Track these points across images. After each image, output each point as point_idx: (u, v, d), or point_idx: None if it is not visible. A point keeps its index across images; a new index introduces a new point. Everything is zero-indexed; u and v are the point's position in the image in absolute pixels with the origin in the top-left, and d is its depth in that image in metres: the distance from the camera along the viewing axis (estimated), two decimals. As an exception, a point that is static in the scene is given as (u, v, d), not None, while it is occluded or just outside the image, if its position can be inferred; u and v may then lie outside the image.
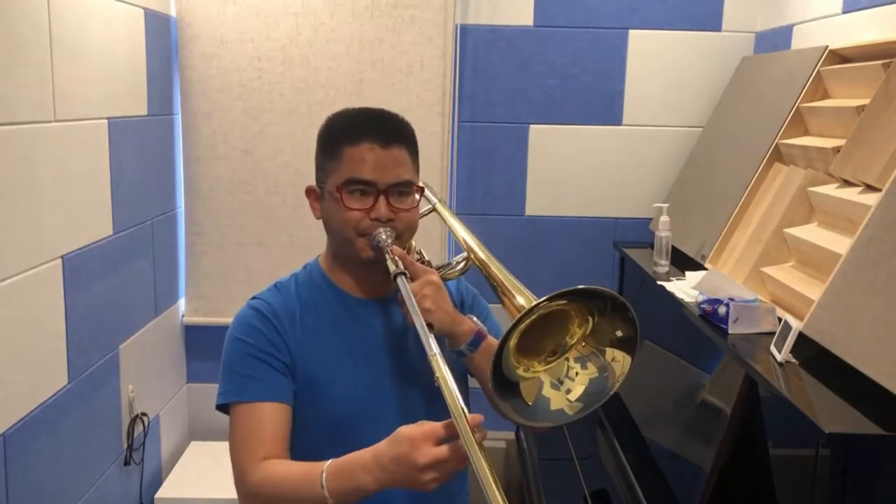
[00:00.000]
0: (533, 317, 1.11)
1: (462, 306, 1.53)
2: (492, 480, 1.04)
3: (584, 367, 1.18)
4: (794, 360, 1.65)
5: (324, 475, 1.19)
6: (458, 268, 1.51)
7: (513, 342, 1.13)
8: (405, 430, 1.14)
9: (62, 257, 2.10)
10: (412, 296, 1.30)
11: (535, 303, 1.10)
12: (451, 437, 1.11)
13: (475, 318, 1.40)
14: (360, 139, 1.36)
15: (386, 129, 1.39)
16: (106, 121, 2.35)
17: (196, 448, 3.07)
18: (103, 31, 2.32)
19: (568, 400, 1.17)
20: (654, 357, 2.46)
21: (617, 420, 2.39)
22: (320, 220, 1.47)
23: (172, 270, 3.00)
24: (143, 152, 2.64)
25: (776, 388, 1.55)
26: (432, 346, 1.17)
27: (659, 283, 2.35)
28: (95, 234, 2.30)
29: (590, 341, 1.18)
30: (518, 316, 1.11)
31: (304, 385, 1.39)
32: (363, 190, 1.36)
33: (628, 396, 2.46)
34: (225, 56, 2.93)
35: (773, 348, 1.70)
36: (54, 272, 2.06)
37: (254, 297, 1.45)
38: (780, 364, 1.65)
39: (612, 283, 3.10)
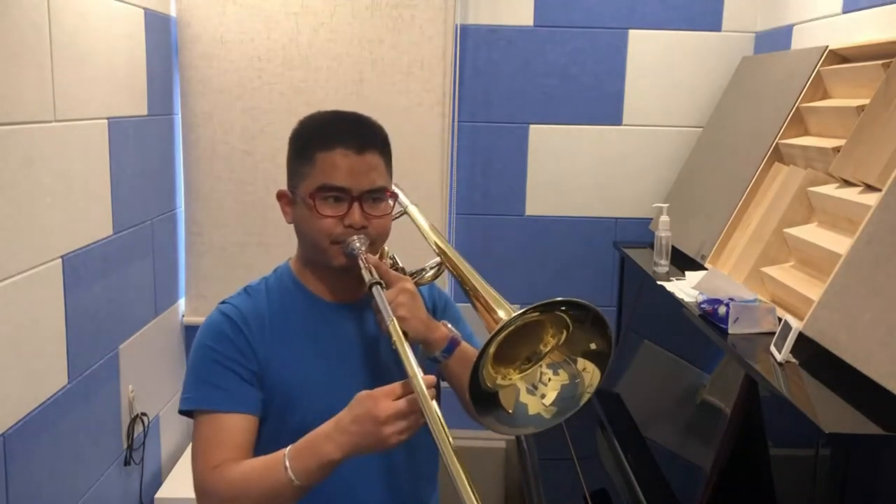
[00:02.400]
0: (510, 329, 1.13)
1: (434, 311, 1.52)
2: (445, 436, 1.10)
3: (555, 373, 1.21)
4: (794, 360, 1.65)
5: (286, 458, 1.20)
6: (430, 274, 1.51)
7: (492, 350, 1.15)
8: (363, 393, 1.19)
9: (62, 257, 2.10)
10: (387, 304, 1.29)
11: (513, 315, 1.13)
12: (408, 394, 1.16)
13: (449, 325, 1.39)
14: (333, 145, 1.35)
15: (360, 134, 1.38)
16: (106, 121, 2.35)
17: (196, 448, 3.06)
18: (103, 32, 2.32)
19: (543, 404, 1.20)
20: (654, 357, 2.46)
21: (617, 420, 2.39)
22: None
23: (172, 270, 3.00)
24: (143, 152, 2.64)
25: (776, 388, 1.55)
26: (390, 313, 1.24)
27: (659, 283, 2.35)
28: (95, 234, 2.30)
29: (563, 350, 1.20)
30: (496, 329, 1.13)
31: (274, 391, 1.37)
32: (337, 196, 1.35)
33: (628, 396, 2.47)
34: (225, 56, 2.93)
35: (773, 348, 1.70)
36: (54, 272, 2.06)
37: (223, 302, 1.43)
38: (780, 364, 1.65)
39: (612, 283, 3.10)
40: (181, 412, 1.38)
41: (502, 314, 1.19)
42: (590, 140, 3.08)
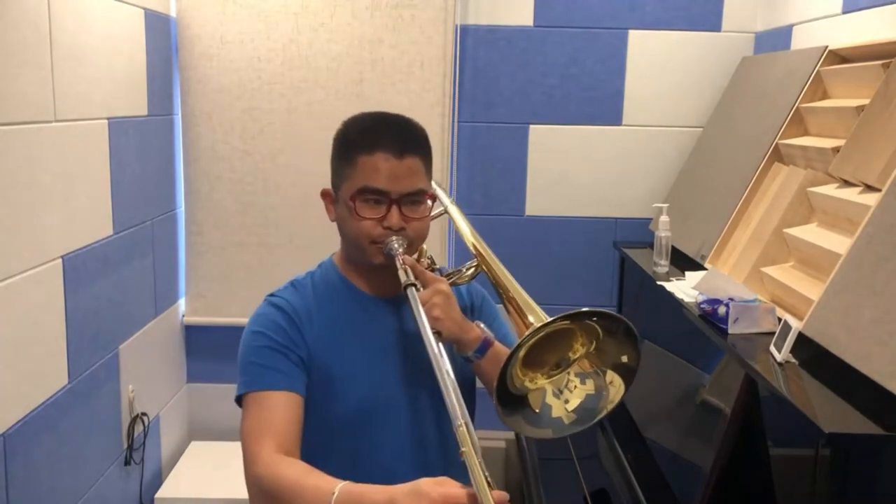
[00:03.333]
0: (539, 336, 1.16)
1: (472, 309, 1.57)
2: None
3: (583, 382, 1.23)
4: (793, 360, 1.65)
5: (334, 497, 1.18)
6: (468, 274, 1.54)
7: (521, 354, 1.17)
8: (426, 486, 1.12)
9: (62, 257, 2.10)
10: (420, 305, 1.34)
11: (544, 322, 1.16)
12: None
13: (482, 325, 1.42)
14: (374, 149, 1.39)
15: (400, 138, 1.41)
16: (106, 121, 2.35)
17: (196, 448, 3.07)
18: (103, 32, 2.32)
19: (566, 409, 1.22)
20: (654, 357, 2.46)
21: (617, 420, 2.39)
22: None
23: (172, 270, 3.00)
24: (143, 152, 2.64)
25: (776, 388, 1.55)
26: (459, 416, 1.16)
27: (659, 283, 2.35)
28: (95, 234, 2.30)
29: (594, 360, 1.23)
30: (525, 334, 1.15)
31: (319, 380, 1.42)
32: (376, 199, 1.40)
33: (628, 396, 2.46)
34: (225, 56, 2.93)
35: (772, 348, 1.70)
36: (54, 272, 2.06)
37: (271, 295, 1.49)
38: (780, 364, 1.65)
39: (612, 283, 3.10)
40: (237, 400, 1.41)
41: (532, 319, 1.21)
42: (590, 140, 3.08)
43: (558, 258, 3.13)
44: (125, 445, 2.54)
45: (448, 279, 1.47)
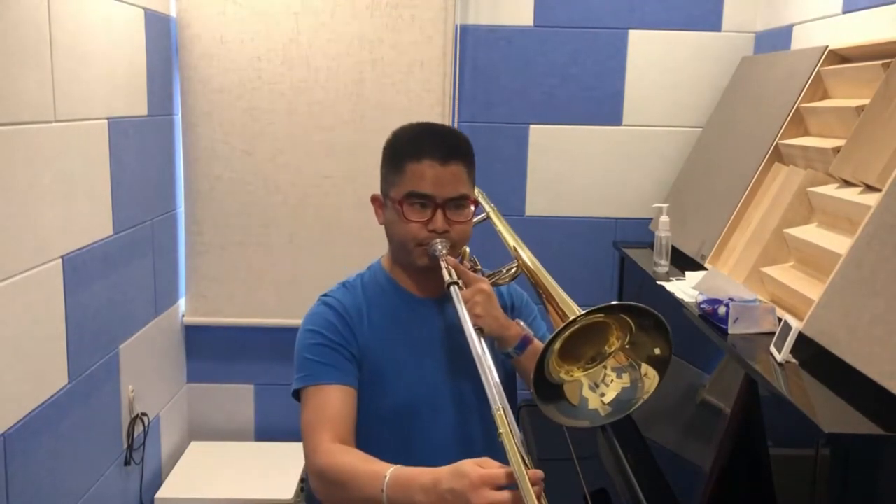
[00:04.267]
0: (575, 327, 1.22)
1: (512, 309, 1.65)
2: None
3: (619, 376, 1.29)
4: (793, 360, 1.65)
5: (386, 481, 1.27)
6: (509, 274, 1.63)
7: (557, 346, 1.22)
8: (468, 466, 1.19)
9: (62, 257, 2.10)
10: (463, 303, 1.42)
11: (577, 315, 1.22)
12: (511, 485, 1.17)
13: (522, 323, 1.51)
14: (421, 156, 1.48)
15: (445, 146, 1.50)
16: (106, 121, 2.35)
17: (196, 448, 3.07)
18: (103, 32, 2.32)
19: (602, 402, 1.29)
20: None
21: (617, 420, 2.39)
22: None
23: (172, 270, 3.00)
24: (143, 152, 2.64)
25: (776, 388, 1.55)
26: (497, 402, 1.23)
27: (659, 283, 2.35)
28: (95, 234, 2.30)
29: (629, 353, 1.28)
30: (561, 326, 1.21)
31: (368, 376, 1.49)
32: (422, 203, 1.48)
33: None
34: (225, 56, 2.93)
35: (773, 348, 1.70)
36: (54, 272, 2.06)
37: (325, 295, 1.57)
38: (780, 364, 1.65)
39: (612, 284, 3.10)
40: (294, 394, 1.50)
41: (568, 314, 1.29)
42: (590, 140, 3.08)
43: (558, 258, 3.11)
44: (125, 445, 2.54)
45: (489, 279, 1.56)
